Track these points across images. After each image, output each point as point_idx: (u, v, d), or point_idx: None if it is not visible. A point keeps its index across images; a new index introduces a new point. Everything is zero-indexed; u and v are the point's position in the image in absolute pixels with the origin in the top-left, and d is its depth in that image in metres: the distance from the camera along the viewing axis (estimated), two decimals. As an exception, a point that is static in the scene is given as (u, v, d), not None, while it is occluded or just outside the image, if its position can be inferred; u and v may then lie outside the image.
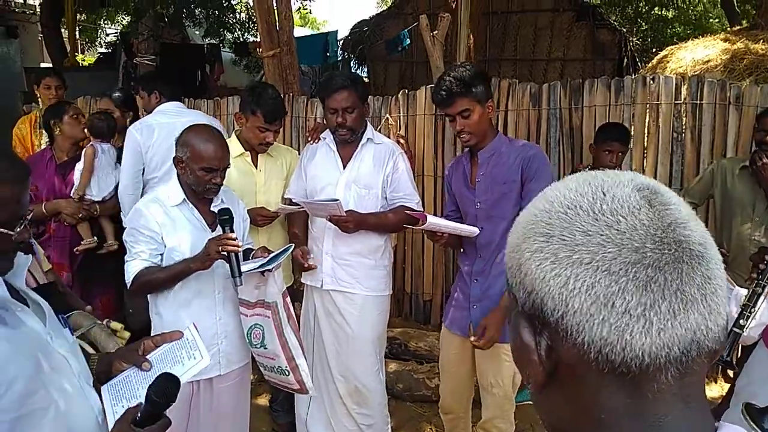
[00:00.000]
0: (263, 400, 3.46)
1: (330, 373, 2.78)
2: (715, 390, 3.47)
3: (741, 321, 2.12)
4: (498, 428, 2.44)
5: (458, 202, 2.51)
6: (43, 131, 3.64)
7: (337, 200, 2.48)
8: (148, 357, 1.34)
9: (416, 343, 3.84)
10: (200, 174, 2.18)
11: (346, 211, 2.51)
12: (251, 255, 2.33)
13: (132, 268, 2.18)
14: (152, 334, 2.31)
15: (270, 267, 2.17)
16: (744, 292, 2.91)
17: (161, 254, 2.21)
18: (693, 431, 0.55)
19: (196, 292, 2.26)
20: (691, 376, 0.54)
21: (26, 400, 1.08)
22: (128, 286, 2.22)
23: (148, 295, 2.32)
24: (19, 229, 1.15)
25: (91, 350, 1.65)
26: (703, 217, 3.48)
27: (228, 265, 2.08)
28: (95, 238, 3.30)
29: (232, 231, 2.11)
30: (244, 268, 2.12)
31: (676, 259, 0.53)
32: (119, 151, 3.38)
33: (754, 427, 1.63)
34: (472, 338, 2.30)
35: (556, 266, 0.55)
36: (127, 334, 2.33)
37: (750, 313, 2.14)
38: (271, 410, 3.29)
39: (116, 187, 3.33)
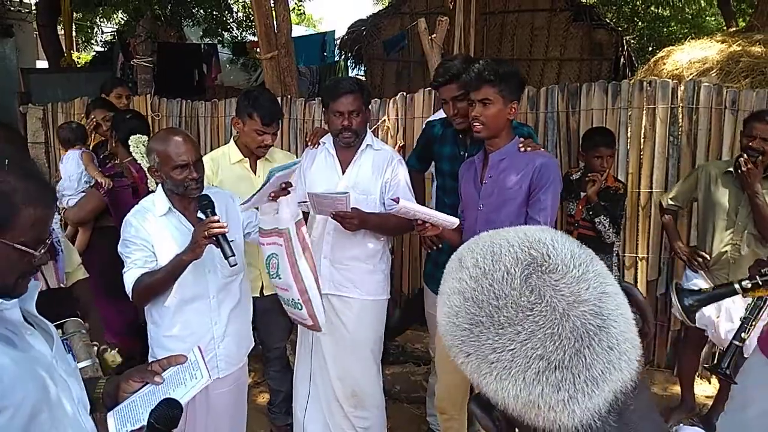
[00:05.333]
0: (261, 402, 3.48)
1: (328, 375, 2.79)
2: (709, 390, 3.50)
3: (742, 334, 2.11)
4: None
5: (464, 205, 2.51)
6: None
7: (347, 193, 2.46)
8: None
9: (413, 345, 3.87)
10: (174, 174, 2.17)
11: (351, 209, 2.50)
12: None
13: (130, 277, 2.18)
14: (150, 343, 2.35)
15: (277, 176, 2.12)
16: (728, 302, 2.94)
17: (156, 261, 2.20)
18: None
19: (191, 298, 2.27)
20: (631, 407, 0.61)
21: (32, 421, 1.10)
22: (130, 296, 2.21)
23: (145, 315, 2.32)
24: (42, 251, 1.16)
25: None
26: (687, 220, 3.51)
27: (219, 249, 2.07)
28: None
29: (214, 214, 2.11)
30: (247, 203, 2.13)
31: (576, 351, 0.59)
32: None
33: (677, 301, 1.89)
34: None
35: (484, 378, 0.62)
36: (118, 359, 2.35)
37: (751, 326, 2.13)
38: (269, 412, 3.31)
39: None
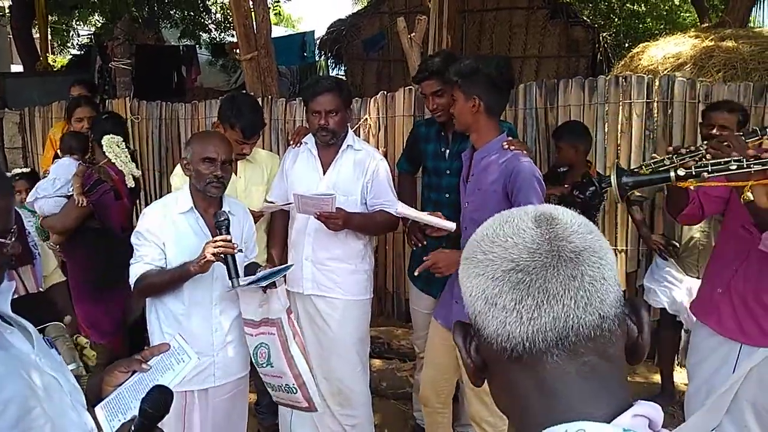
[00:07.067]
0: (248, 402, 3.47)
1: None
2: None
3: (661, 168, 2.02)
4: (488, 422, 2.44)
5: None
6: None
7: (332, 195, 2.47)
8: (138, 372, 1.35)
9: (399, 342, 3.90)
10: (202, 168, 2.22)
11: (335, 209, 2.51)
12: (257, 270, 2.32)
13: (135, 270, 2.22)
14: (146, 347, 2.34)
15: (268, 282, 2.18)
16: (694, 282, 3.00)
17: (165, 259, 2.23)
18: (593, 403, 0.65)
19: (193, 305, 2.28)
20: (585, 356, 0.65)
21: (23, 418, 1.09)
22: (132, 288, 2.24)
23: (146, 310, 2.33)
24: (11, 239, 1.15)
25: None
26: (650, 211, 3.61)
27: (225, 267, 2.10)
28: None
29: (228, 233, 2.13)
30: (242, 282, 2.14)
31: (543, 264, 0.66)
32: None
33: (614, 177, 1.95)
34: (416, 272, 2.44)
35: (467, 280, 0.72)
36: (92, 353, 2.33)
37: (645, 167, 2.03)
38: (257, 412, 3.30)
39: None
